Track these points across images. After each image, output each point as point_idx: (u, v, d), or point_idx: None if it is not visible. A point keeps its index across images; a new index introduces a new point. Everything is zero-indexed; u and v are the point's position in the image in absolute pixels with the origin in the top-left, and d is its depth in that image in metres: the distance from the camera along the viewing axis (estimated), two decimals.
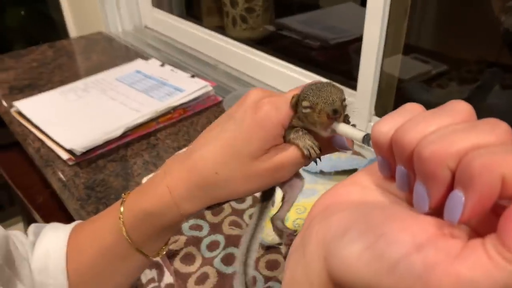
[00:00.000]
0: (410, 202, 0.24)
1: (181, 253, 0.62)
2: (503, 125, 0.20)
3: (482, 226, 0.21)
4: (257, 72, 1.12)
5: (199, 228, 0.66)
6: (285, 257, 0.58)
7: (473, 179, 0.18)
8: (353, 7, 1.16)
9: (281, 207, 0.41)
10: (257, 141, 0.36)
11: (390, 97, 0.87)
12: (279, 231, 0.41)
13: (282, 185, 0.40)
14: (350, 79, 0.89)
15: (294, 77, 1.02)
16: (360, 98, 0.82)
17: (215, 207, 0.40)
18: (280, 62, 1.05)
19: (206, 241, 0.64)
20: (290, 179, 0.39)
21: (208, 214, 0.68)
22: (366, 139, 0.30)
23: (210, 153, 0.37)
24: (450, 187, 0.20)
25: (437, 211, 0.21)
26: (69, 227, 0.46)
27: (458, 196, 0.19)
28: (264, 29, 1.22)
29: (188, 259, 0.62)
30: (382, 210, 0.23)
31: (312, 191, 0.69)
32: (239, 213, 0.69)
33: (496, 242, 0.18)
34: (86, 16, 1.62)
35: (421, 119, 0.22)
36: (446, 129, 0.21)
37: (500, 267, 0.17)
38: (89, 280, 0.44)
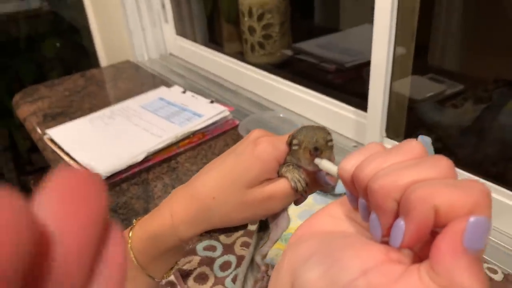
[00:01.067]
0: None
1: (195, 273, 0.65)
2: (445, 160, 0.23)
3: (424, 251, 0.23)
4: (275, 96, 1.16)
5: (213, 248, 0.69)
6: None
7: (411, 209, 0.21)
8: (369, 29, 1.18)
9: (265, 243, 0.45)
10: (254, 171, 0.40)
11: (402, 118, 0.89)
12: (256, 265, 0.45)
13: (272, 219, 0.44)
14: (365, 100, 0.91)
15: (309, 101, 1.05)
16: (371, 120, 0.84)
17: (213, 233, 0.44)
18: (296, 87, 1.09)
19: (219, 261, 0.67)
20: (279, 214, 0.42)
21: (221, 236, 0.71)
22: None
23: (210, 180, 0.42)
24: (398, 217, 0.23)
25: None
26: None
27: (400, 224, 0.22)
28: (282, 54, 1.26)
29: (201, 278, 0.65)
30: (343, 239, 0.26)
31: None
32: (251, 234, 0.71)
33: (428, 267, 0.20)
34: (116, 46, 1.71)
35: (376, 157, 0.25)
36: (395, 166, 0.23)
37: None
38: None
